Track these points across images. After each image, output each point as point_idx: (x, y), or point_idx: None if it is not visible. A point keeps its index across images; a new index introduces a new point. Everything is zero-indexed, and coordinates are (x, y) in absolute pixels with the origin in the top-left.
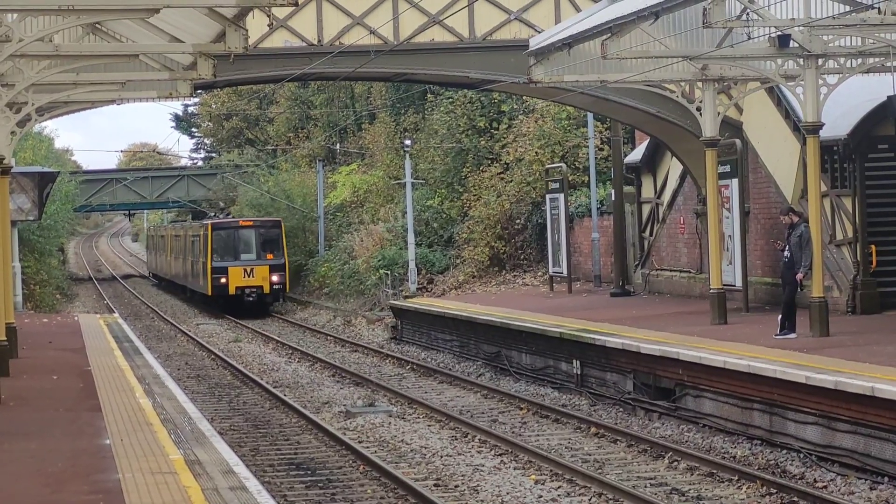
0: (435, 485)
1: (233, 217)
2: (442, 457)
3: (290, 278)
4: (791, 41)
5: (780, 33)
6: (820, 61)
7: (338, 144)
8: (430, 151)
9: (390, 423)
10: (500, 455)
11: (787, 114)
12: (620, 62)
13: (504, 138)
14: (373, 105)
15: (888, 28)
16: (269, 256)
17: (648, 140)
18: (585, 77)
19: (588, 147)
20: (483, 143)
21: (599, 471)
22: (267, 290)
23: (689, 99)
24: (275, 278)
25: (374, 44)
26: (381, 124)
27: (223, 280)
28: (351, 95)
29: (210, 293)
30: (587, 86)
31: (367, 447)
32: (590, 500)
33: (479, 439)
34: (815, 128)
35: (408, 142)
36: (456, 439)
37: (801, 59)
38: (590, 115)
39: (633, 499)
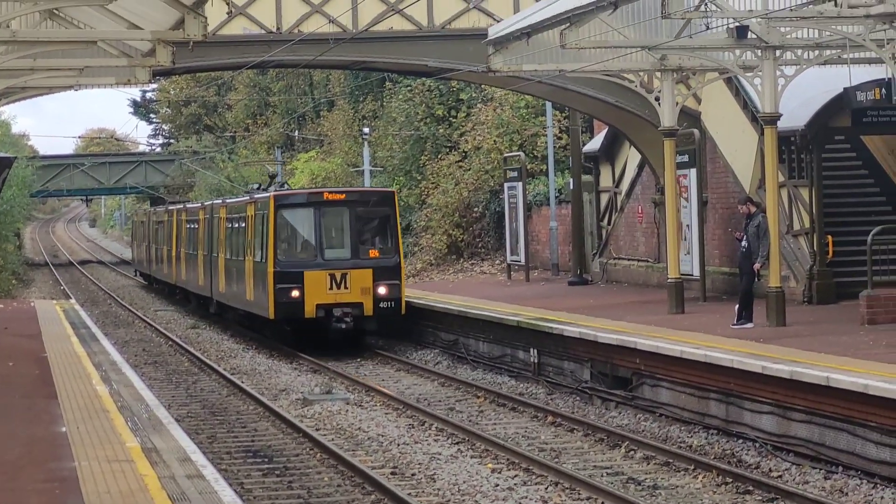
0: (392, 473)
1: (304, 188)
2: (399, 445)
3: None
4: (749, 32)
5: (738, 24)
6: (777, 53)
7: (296, 131)
8: (389, 139)
9: (347, 410)
10: (458, 443)
11: (746, 104)
12: (579, 52)
13: (462, 126)
14: (331, 92)
15: (844, 21)
16: (374, 253)
17: (607, 129)
18: (544, 66)
19: (546, 136)
20: (441, 131)
21: (556, 459)
22: (369, 309)
23: (648, 89)
24: (382, 290)
25: (334, 32)
26: (340, 112)
27: (294, 294)
28: (310, 83)
29: (272, 315)
30: (546, 75)
31: (325, 435)
32: (546, 488)
33: (437, 427)
34: (773, 118)
35: (366, 129)
36: (413, 427)
37: (759, 51)
38: (548, 104)
39: (590, 488)
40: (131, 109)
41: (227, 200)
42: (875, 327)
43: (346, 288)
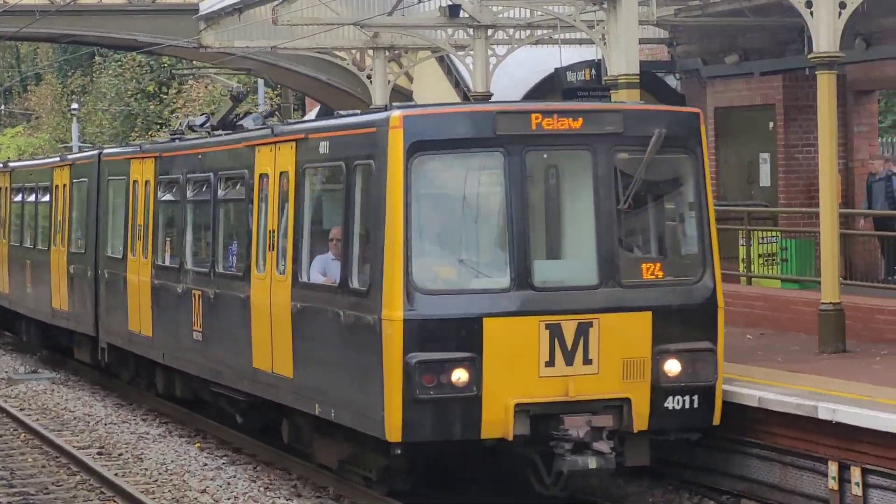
0: (98, 453)
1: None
2: (106, 424)
3: None
4: (461, 11)
5: (450, 3)
6: (489, 32)
7: (1, 105)
8: (99, 115)
9: (54, 390)
10: (165, 423)
11: (458, 83)
12: (292, 29)
13: (174, 103)
14: (39, 66)
15: (556, 1)
16: (652, 272)
17: (319, 107)
18: (255, 43)
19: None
20: (153, 107)
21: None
22: (643, 417)
23: (360, 67)
24: (674, 367)
25: (40, 3)
26: (48, 86)
27: (456, 377)
28: (17, 56)
29: (397, 434)
30: (257, 51)
31: (29, 415)
32: (255, 468)
33: (147, 408)
34: (485, 97)
35: (75, 105)
36: (121, 407)
37: (471, 30)
38: (260, 82)
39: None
40: None
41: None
42: None
43: (586, 361)
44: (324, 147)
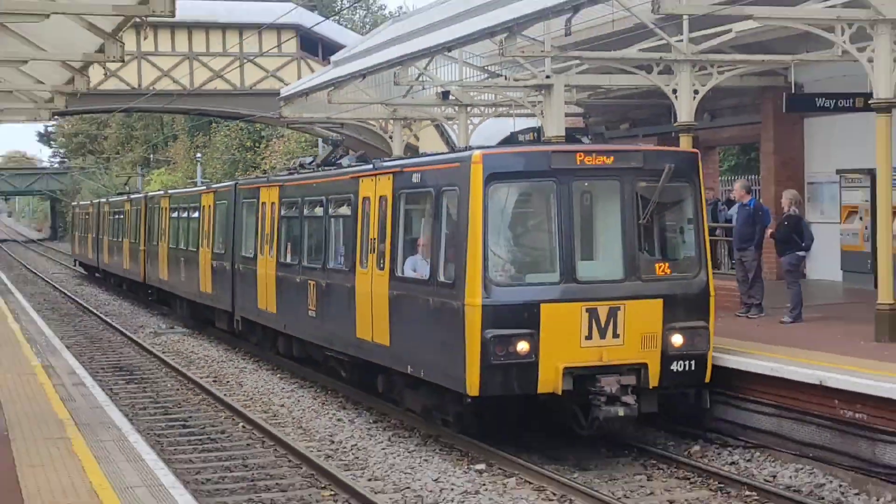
0: (213, 380)
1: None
2: (218, 363)
3: None
4: (450, 95)
5: (443, 90)
6: (469, 109)
7: (152, 155)
8: (214, 161)
9: (184, 341)
10: (257, 362)
11: (448, 142)
12: (340, 105)
13: (263, 153)
14: (175, 129)
15: (510, 89)
16: (663, 269)
17: (359, 154)
18: (317, 114)
19: None
20: (249, 156)
21: None
22: (656, 375)
23: (384, 130)
24: (678, 340)
25: (177, 89)
26: (181, 142)
27: (520, 347)
28: (161, 122)
29: (475, 389)
30: (318, 120)
31: (168, 355)
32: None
33: (244, 352)
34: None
35: (199, 154)
36: (228, 351)
37: (457, 107)
38: (319, 140)
39: None
40: (37, 137)
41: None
42: None
43: (615, 337)
44: (416, 178)
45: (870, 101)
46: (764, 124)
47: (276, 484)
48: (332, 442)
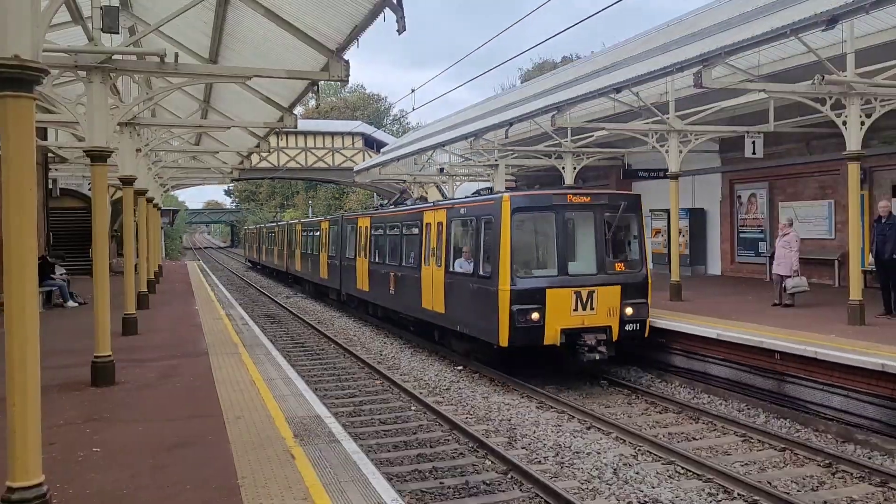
0: (317, 322)
1: (518, 186)
2: (321, 313)
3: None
4: (444, 170)
5: (439, 167)
6: (454, 177)
7: (284, 202)
8: (318, 205)
9: (303, 298)
10: (343, 313)
11: (443, 194)
12: (386, 175)
13: (345, 201)
14: (296, 188)
15: (476, 167)
16: (620, 267)
17: (398, 195)
18: (376, 179)
19: None
20: (336, 202)
21: None
22: (616, 333)
23: (409, 188)
24: (629, 311)
25: (297, 167)
26: (300, 195)
27: (533, 316)
28: (290, 184)
29: (505, 342)
30: (374, 183)
31: (293, 309)
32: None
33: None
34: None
35: (310, 201)
36: (328, 307)
37: (447, 176)
38: (375, 193)
39: None
40: (224, 192)
41: (386, 210)
42: None
43: (592, 309)
44: (463, 211)
45: (666, 173)
46: (609, 185)
47: (350, 374)
48: (381, 354)
